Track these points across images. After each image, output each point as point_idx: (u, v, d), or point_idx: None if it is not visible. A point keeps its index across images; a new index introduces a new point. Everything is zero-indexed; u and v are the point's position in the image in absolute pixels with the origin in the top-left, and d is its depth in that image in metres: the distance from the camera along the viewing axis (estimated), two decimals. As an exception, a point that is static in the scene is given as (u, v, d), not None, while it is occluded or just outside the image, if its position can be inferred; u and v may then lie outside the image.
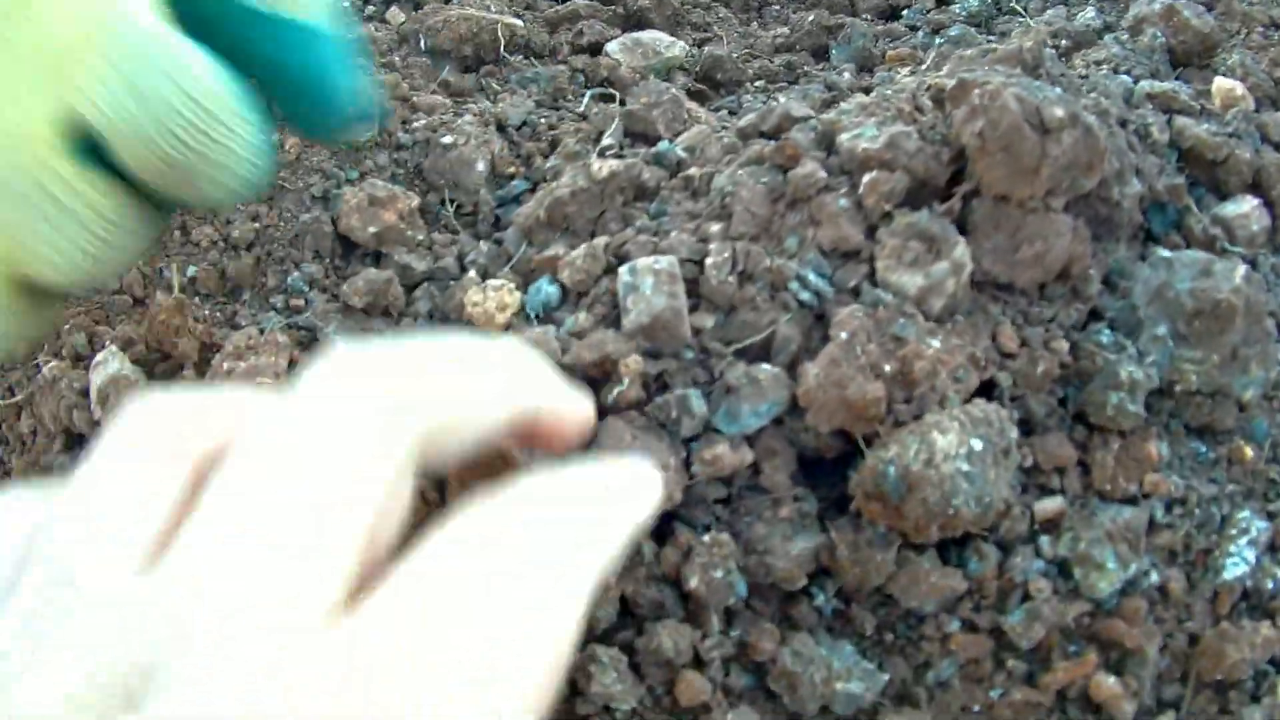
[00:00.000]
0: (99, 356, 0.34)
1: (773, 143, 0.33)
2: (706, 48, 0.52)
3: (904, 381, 0.26)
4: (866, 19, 0.58)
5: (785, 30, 0.58)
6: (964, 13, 0.59)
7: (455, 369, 0.16)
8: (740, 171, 0.31)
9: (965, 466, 0.24)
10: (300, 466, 0.13)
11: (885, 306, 0.27)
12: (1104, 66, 0.50)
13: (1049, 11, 0.59)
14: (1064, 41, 0.55)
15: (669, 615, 0.24)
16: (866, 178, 0.30)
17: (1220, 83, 0.48)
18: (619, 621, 0.26)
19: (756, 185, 0.30)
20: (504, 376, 0.17)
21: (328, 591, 0.13)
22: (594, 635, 0.25)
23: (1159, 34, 0.52)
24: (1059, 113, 0.32)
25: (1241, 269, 0.34)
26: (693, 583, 0.25)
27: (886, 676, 0.25)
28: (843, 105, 0.34)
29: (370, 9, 0.55)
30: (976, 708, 0.27)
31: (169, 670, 0.12)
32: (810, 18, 0.56)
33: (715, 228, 0.29)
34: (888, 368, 0.26)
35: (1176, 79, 0.52)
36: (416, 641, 0.12)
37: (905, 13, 0.57)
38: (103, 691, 0.12)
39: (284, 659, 0.12)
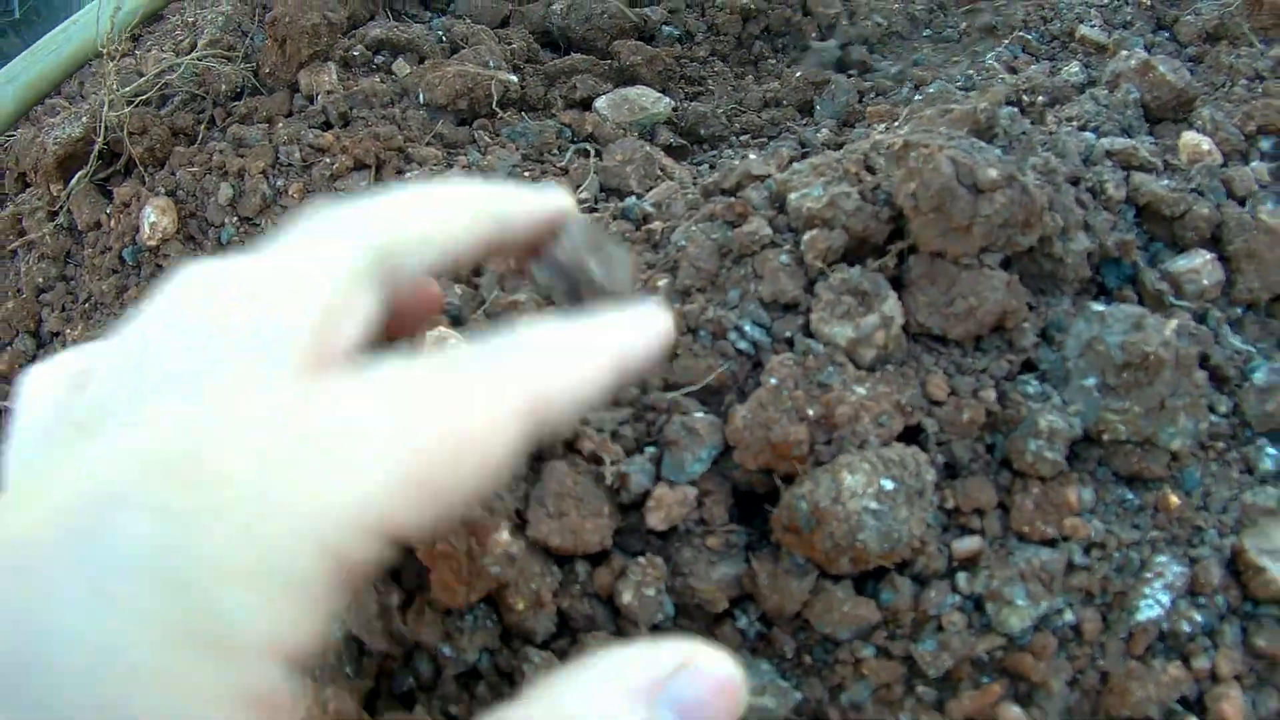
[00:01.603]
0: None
1: (729, 199, 0.37)
2: (693, 103, 0.58)
3: (826, 424, 0.30)
4: (852, 74, 0.63)
5: (776, 85, 0.63)
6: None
7: (416, 197, 0.21)
8: (694, 227, 0.36)
9: (873, 504, 0.28)
10: (268, 276, 0.18)
11: (815, 355, 0.31)
12: (1075, 123, 0.54)
13: (1033, 67, 0.63)
14: (1040, 97, 0.59)
15: (600, 628, 0.28)
16: (807, 235, 0.34)
17: (1187, 138, 0.52)
18: (557, 632, 0.30)
19: (706, 240, 0.35)
20: (464, 194, 0.21)
21: (280, 357, 0.17)
22: (532, 643, 0.29)
23: (1134, 89, 0.57)
24: (993, 174, 0.36)
25: (1173, 324, 0.37)
26: (625, 598, 0.28)
27: (800, 695, 0.28)
28: (796, 165, 0.39)
29: (379, 59, 0.61)
30: (890, 731, 0.30)
31: (148, 403, 0.17)
32: (799, 73, 0.61)
33: (664, 280, 0.34)
34: (811, 411, 0.30)
35: (1150, 134, 0.56)
36: (344, 403, 0.16)
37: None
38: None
39: (240, 400, 0.16)
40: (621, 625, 0.29)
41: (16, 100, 0.73)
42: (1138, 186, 0.46)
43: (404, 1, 0.72)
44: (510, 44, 0.65)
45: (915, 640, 0.30)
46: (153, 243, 0.55)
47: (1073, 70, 0.63)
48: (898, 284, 0.35)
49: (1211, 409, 0.40)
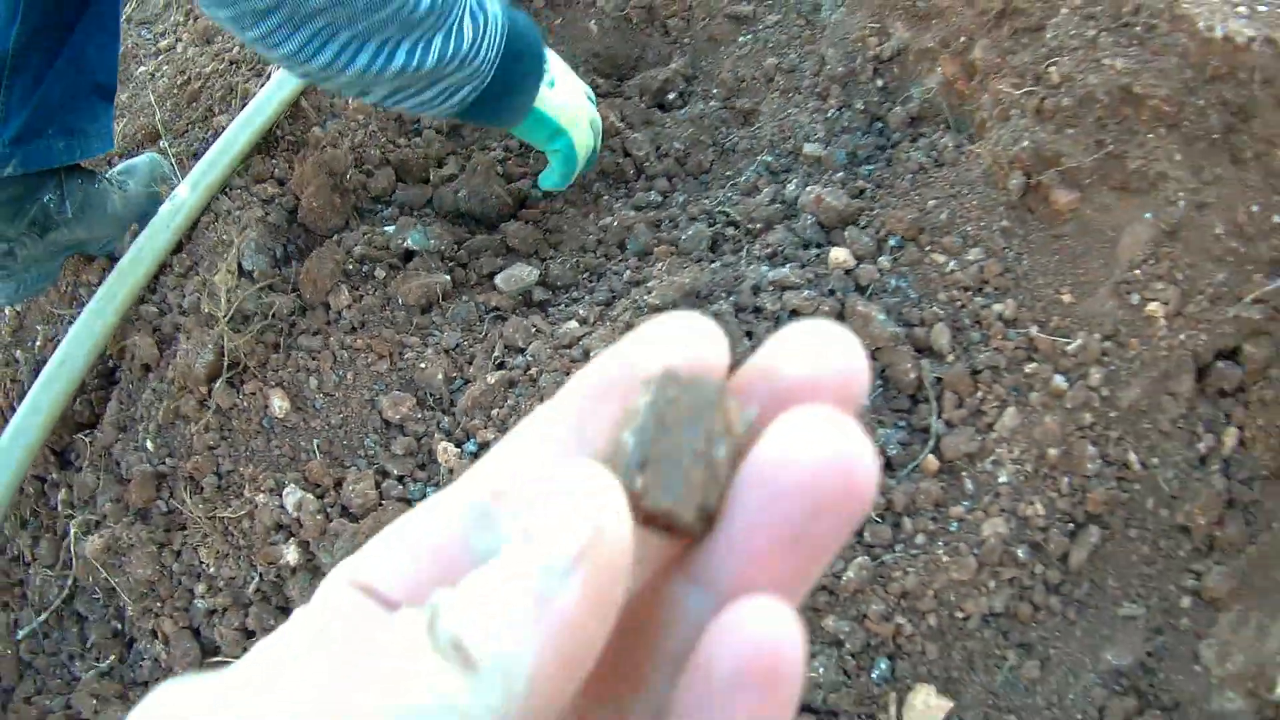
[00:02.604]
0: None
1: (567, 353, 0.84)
2: (551, 263, 1.01)
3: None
4: (653, 208, 1.06)
5: (609, 220, 1.06)
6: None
7: None
8: (548, 374, 0.83)
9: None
10: None
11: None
12: (769, 248, 0.98)
13: (765, 191, 1.05)
14: (759, 224, 1.03)
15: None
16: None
17: (834, 253, 0.97)
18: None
19: (556, 382, 0.83)
20: None
21: None
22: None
23: (811, 215, 1.00)
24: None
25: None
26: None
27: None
28: (599, 329, 0.86)
29: (365, 268, 1.03)
30: None
31: None
32: (615, 221, 1.04)
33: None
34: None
35: (827, 241, 0.99)
36: None
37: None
38: None
39: None
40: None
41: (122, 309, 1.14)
42: (787, 300, 0.92)
43: (360, 200, 1.12)
44: (433, 226, 1.07)
45: None
46: (280, 415, 0.99)
47: (791, 188, 1.04)
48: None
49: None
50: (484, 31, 0.85)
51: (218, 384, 1.03)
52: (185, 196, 1.18)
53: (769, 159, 1.06)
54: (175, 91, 1.39)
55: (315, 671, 0.16)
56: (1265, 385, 0.90)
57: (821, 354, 0.18)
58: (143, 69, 1.53)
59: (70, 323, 1.24)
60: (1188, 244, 0.91)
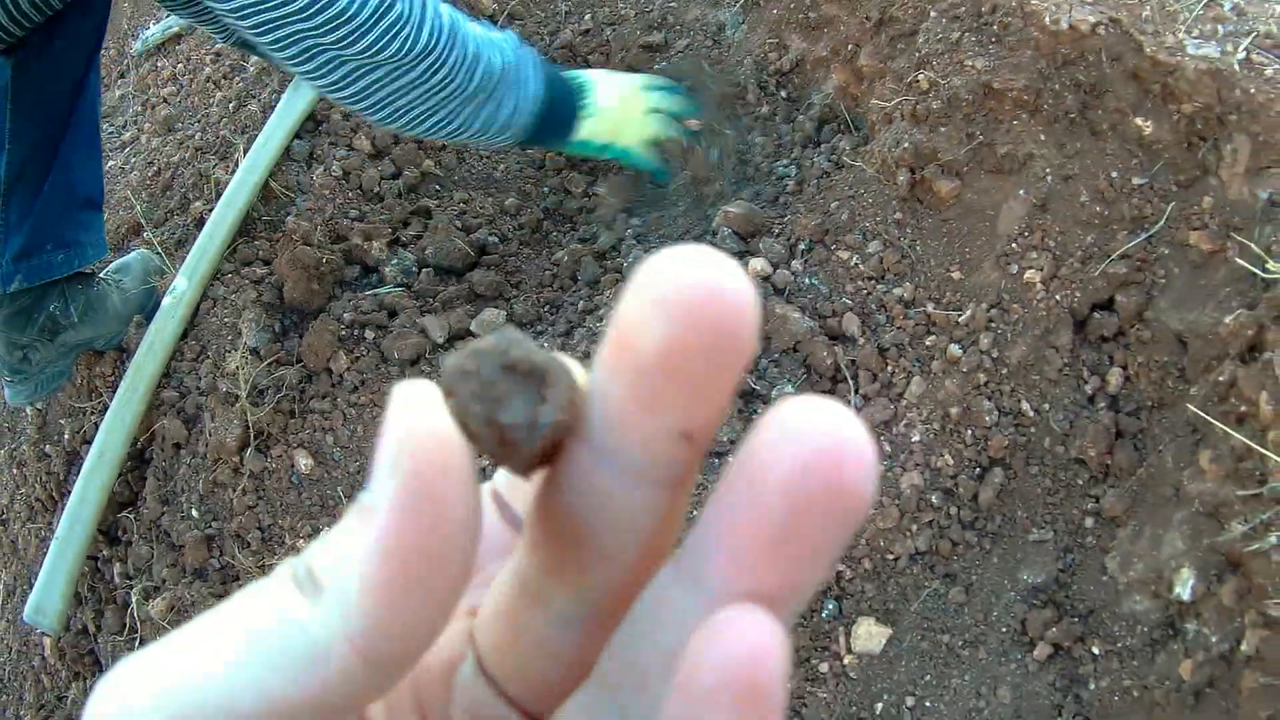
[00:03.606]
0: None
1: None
2: (515, 303, 1.26)
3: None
4: (606, 240, 1.30)
5: (562, 254, 1.30)
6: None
7: None
8: None
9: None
10: None
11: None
12: None
13: (687, 213, 1.28)
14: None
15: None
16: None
17: (753, 263, 1.20)
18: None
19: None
20: None
21: None
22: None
23: (727, 228, 1.24)
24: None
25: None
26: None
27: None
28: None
29: (355, 331, 1.28)
30: None
31: None
32: (565, 256, 1.28)
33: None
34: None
35: (741, 260, 1.23)
36: None
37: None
38: None
39: None
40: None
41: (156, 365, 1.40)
42: None
43: (342, 273, 1.36)
44: (417, 279, 1.31)
45: None
46: (306, 472, 1.25)
47: (689, 220, 1.28)
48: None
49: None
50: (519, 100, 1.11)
51: (248, 452, 1.29)
52: (183, 287, 1.43)
53: (693, 187, 1.29)
54: (148, 183, 1.64)
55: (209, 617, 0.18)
56: (1141, 327, 1.12)
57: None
58: (112, 163, 1.78)
59: (92, 415, 1.50)
60: (1057, 214, 1.13)
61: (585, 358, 1.17)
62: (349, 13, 0.98)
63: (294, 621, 0.17)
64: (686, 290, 0.17)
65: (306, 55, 1.02)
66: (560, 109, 1.17)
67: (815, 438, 0.17)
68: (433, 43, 1.03)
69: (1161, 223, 1.11)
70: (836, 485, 0.17)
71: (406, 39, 1.02)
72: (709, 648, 0.17)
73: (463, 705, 0.23)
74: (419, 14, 1.03)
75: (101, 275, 1.48)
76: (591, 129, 1.19)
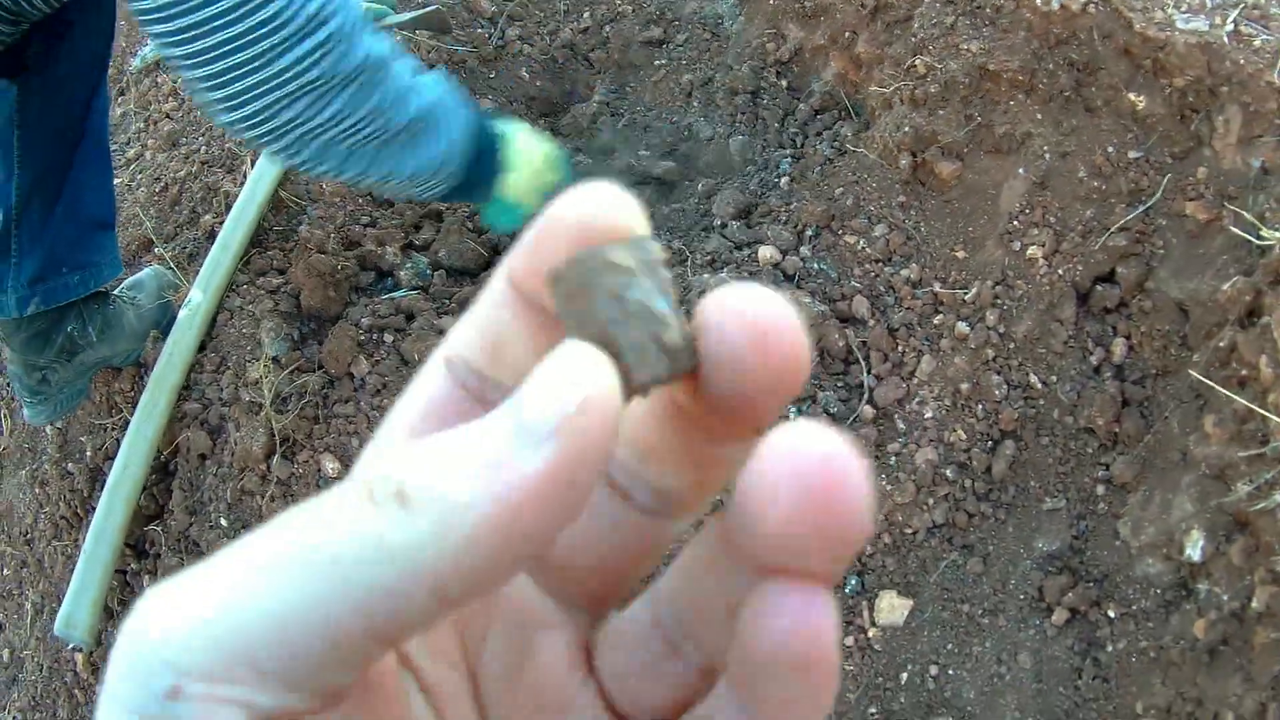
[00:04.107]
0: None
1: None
2: None
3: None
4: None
5: None
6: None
7: None
8: None
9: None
10: None
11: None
12: (709, 255, 1.30)
13: (696, 204, 1.36)
14: (696, 237, 1.34)
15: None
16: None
17: (762, 251, 1.28)
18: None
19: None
20: None
21: None
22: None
23: (726, 219, 1.32)
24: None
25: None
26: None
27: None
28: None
29: (374, 335, 1.37)
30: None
31: None
32: None
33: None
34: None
35: (749, 248, 1.31)
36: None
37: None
38: None
39: None
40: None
41: (167, 404, 1.48)
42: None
43: (358, 279, 1.44)
44: (432, 281, 1.39)
45: None
46: (333, 475, 1.33)
47: (695, 211, 1.36)
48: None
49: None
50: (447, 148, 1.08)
51: (274, 460, 1.37)
52: (199, 299, 1.51)
53: (701, 179, 1.37)
54: (156, 198, 1.72)
55: (265, 531, 0.18)
56: (1143, 297, 1.20)
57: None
58: (118, 180, 1.86)
59: (114, 431, 1.58)
60: (1057, 190, 1.21)
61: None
62: (280, 19, 0.93)
63: (372, 536, 0.17)
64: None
65: (223, 80, 0.96)
66: (487, 153, 1.15)
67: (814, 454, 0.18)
68: (361, 68, 0.98)
69: (1158, 195, 1.19)
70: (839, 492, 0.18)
71: (337, 59, 0.96)
72: (759, 623, 0.18)
73: (507, 615, 0.23)
74: (351, 35, 0.98)
75: (116, 293, 1.55)
76: (515, 182, 1.18)
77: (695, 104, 1.43)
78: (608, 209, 0.22)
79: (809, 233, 1.25)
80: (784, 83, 1.38)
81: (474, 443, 0.18)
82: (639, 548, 0.24)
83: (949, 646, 1.14)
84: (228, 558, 0.18)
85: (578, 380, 0.18)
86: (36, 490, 1.70)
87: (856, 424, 1.16)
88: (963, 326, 1.17)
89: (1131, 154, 1.19)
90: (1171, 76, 1.18)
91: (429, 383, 0.24)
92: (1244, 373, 1.11)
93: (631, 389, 0.20)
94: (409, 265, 1.43)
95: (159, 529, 1.50)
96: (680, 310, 0.20)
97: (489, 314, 0.23)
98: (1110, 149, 1.19)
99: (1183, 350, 1.17)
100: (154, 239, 1.65)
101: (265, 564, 0.17)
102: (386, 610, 0.17)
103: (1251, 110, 1.19)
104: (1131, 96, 1.19)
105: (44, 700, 1.64)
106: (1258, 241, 1.11)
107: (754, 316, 0.20)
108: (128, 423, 1.55)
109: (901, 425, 1.16)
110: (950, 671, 1.13)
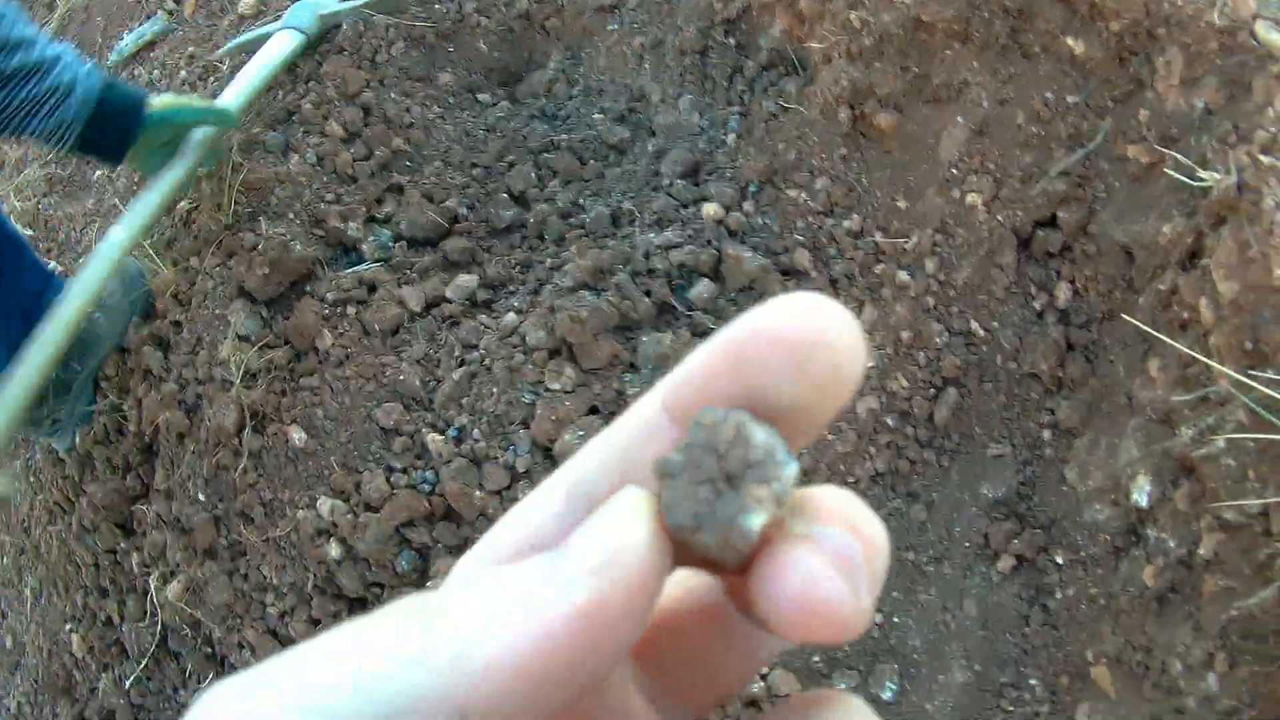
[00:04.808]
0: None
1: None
2: (486, 268, 1.44)
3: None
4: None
5: (528, 215, 1.49)
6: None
7: None
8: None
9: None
10: None
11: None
12: (656, 214, 1.39)
13: (643, 164, 1.46)
14: (645, 197, 1.43)
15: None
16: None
17: (706, 208, 1.37)
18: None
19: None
20: None
21: None
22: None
23: (678, 164, 1.41)
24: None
25: (685, 332, 1.26)
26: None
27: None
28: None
29: (338, 308, 1.49)
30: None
31: None
32: (532, 218, 1.46)
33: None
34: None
35: (695, 206, 1.40)
36: None
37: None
38: None
39: None
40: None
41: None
42: (674, 258, 1.33)
43: (318, 250, 1.56)
44: (393, 252, 1.51)
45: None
46: (301, 445, 1.45)
47: (643, 173, 1.45)
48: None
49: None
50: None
51: (245, 433, 1.49)
52: (121, 236, 1.58)
53: (649, 141, 1.46)
54: (135, 187, 1.85)
55: (331, 637, 0.20)
56: (1087, 241, 1.26)
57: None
58: (99, 172, 2.01)
59: (99, 416, 1.73)
60: (995, 137, 1.27)
61: (550, 311, 1.35)
62: None
63: (407, 649, 0.20)
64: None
65: None
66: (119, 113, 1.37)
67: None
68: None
69: (1099, 138, 1.25)
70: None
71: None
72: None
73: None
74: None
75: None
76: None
77: (646, 67, 1.51)
78: (822, 328, 0.21)
79: (752, 188, 1.34)
80: (732, 41, 1.46)
81: (511, 580, 0.20)
82: (745, 660, 0.26)
83: (894, 594, 1.21)
84: (286, 673, 0.20)
85: (617, 532, 0.20)
86: (30, 479, 1.85)
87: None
88: (903, 275, 1.24)
89: (1071, 99, 1.25)
90: (1109, 20, 1.24)
91: (544, 506, 0.24)
92: (1186, 315, 1.17)
93: (695, 560, 0.21)
94: (372, 238, 1.54)
95: (145, 507, 1.64)
96: (764, 512, 0.21)
97: (629, 440, 0.24)
98: (1049, 94, 1.25)
99: (1129, 293, 1.22)
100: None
101: (317, 701, 0.20)
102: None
103: (1193, 51, 1.24)
104: (1069, 41, 1.25)
105: (45, 681, 1.79)
106: (1194, 183, 1.16)
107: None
108: (113, 406, 1.69)
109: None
110: (895, 619, 1.21)
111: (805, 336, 0.21)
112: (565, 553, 0.20)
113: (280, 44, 1.59)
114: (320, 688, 0.20)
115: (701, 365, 0.22)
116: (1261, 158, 1.17)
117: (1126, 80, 1.23)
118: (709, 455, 0.21)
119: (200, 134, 1.49)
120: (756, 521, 0.20)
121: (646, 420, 0.23)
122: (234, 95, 1.54)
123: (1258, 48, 1.24)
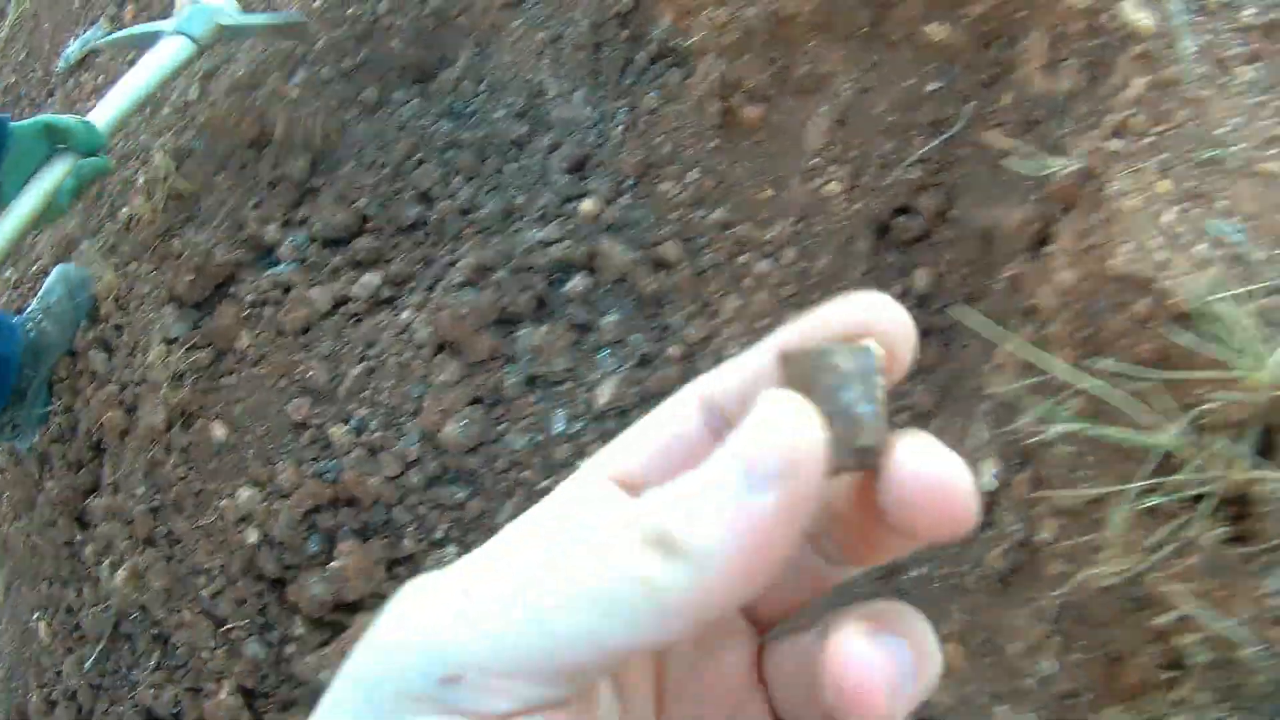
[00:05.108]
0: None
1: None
2: (392, 267, 1.55)
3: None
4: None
5: (430, 213, 1.58)
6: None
7: None
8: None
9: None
10: None
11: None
12: (541, 210, 1.47)
13: (537, 160, 1.53)
14: (532, 190, 1.51)
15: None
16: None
17: (584, 205, 1.45)
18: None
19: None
20: None
21: None
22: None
23: (559, 172, 1.48)
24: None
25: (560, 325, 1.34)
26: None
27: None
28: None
29: (256, 310, 1.60)
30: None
31: None
32: (434, 216, 1.55)
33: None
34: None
35: (576, 201, 1.48)
36: None
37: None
38: None
39: None
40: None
41: None
42: (551, 253, 1.41)
43: (240, 254, 1.68)
44: (307, 253, 1.62)
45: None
46: (224, 439, 1.58)
47: (535, 167, 1.52)
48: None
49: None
50: None
51: (174, 430, 1.63)
52: None
53: (545, 136, 1.53)
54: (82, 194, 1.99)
55: (531, 552, 0.24)
56: (944, 227, 1.30)
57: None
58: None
59: (55, 415, 1.88)
60: (856, 126, 1.31)
61: (437, 310, 1.44)
62: None
63: (642, 579, 0.22)
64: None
65: None
66: None
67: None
68: None
69: (960, 124, 1.28)
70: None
71: None
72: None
73: None
74: None
75: (28, 319, 1.71)
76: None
77: (546, 61, 1.59)
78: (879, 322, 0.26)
79: (629, 183, 1.41)
80: (625, 34, 1.53)
81: (712, 487, 0.23)
82: (813, 585, 0.30)
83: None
84: (494, 570, 0.24)
85: (797, 427, 0.23)
86: (-4, 478, 2.00)
87: (663, 364, 1.33)
88: (764, 265, 1.30)
89: (932, 85, 1.29)
90: (969, 5, 1.28)
91: (674, 419, 0.29)
92: (1030, 303, 1.22)
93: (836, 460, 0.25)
94: (289, 240, 1.65)
95: (96, 501, 1.79)
96: (881, 417, 0.26)
97: (752, 362, 0.28)
98: (910, 82, 1.30)
99: (985, 279, 1.28)
100: (80, 234, 1.92)
101: (553, 604, 0.23)
102: (650, 638, 0.23)
103: (1057, 32, 1.27)
104: (931, 27, 1.29)
105: (16, 669, 1.95)
106: (1035, 173, 1.20)
107: (937, 486, 0.25)
108: (68, 408, 1.84)
109: (702, 365, 1.31)
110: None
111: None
112: (748, 451, 0.23)
113: (168, 51, 1.53)
114: (560, 607, 0.23)
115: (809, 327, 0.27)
116: (1108, 143, 1.21)
117: (990, 64, 1.28)
118: (822, 366, 0.25)
119: (67, 157, 1.44)
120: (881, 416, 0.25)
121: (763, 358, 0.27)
122: (109, 112, 1.47)
123: (1122, 29, 1.28)
